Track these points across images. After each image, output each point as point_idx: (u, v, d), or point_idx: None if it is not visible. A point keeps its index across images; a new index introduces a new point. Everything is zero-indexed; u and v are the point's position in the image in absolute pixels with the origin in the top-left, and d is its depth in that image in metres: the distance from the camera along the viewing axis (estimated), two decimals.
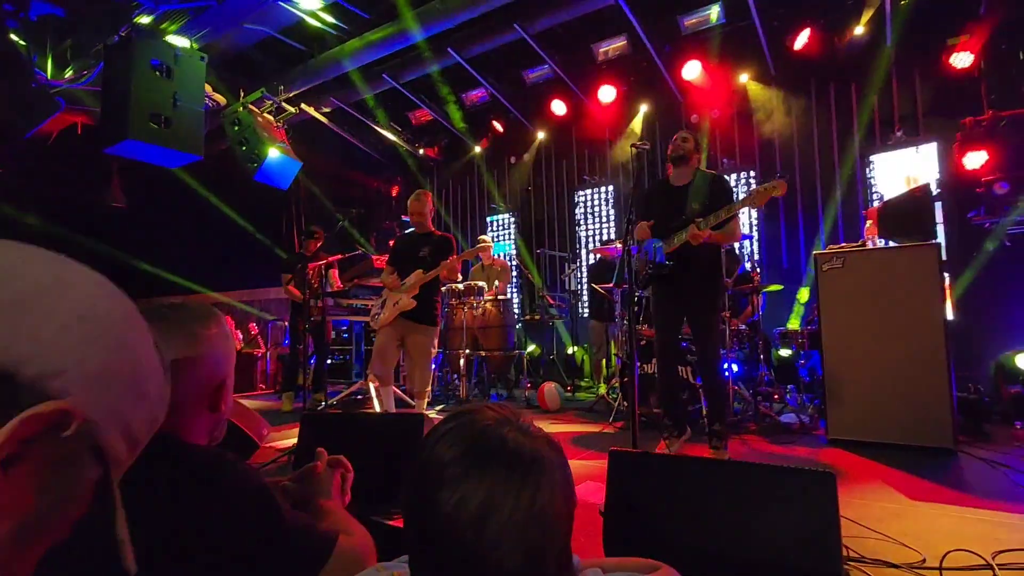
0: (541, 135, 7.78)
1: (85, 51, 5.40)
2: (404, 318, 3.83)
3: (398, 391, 4.88)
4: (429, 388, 3.94)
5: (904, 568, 1.60)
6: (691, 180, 3.14)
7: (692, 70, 6.21)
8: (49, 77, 5.41)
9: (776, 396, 4.32)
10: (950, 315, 3.55)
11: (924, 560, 1.64)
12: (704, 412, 3.79)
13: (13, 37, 4.64)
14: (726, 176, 6.46)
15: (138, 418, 0.40)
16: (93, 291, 0.39)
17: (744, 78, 6.30)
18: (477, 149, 8.30)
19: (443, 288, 6.01)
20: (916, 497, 2.29)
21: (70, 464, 0.35)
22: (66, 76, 5.54)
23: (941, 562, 1.56)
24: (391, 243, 4.40)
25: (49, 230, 6.97)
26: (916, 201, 3.83)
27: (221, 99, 6.24)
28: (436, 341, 3.99)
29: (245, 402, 4.41)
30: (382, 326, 3.91)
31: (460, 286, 5.54)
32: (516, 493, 0.57)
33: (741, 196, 3.23)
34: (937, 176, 5.31)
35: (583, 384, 6.54)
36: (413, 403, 4.03)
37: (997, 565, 1.56)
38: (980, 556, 1.54)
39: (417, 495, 0.60)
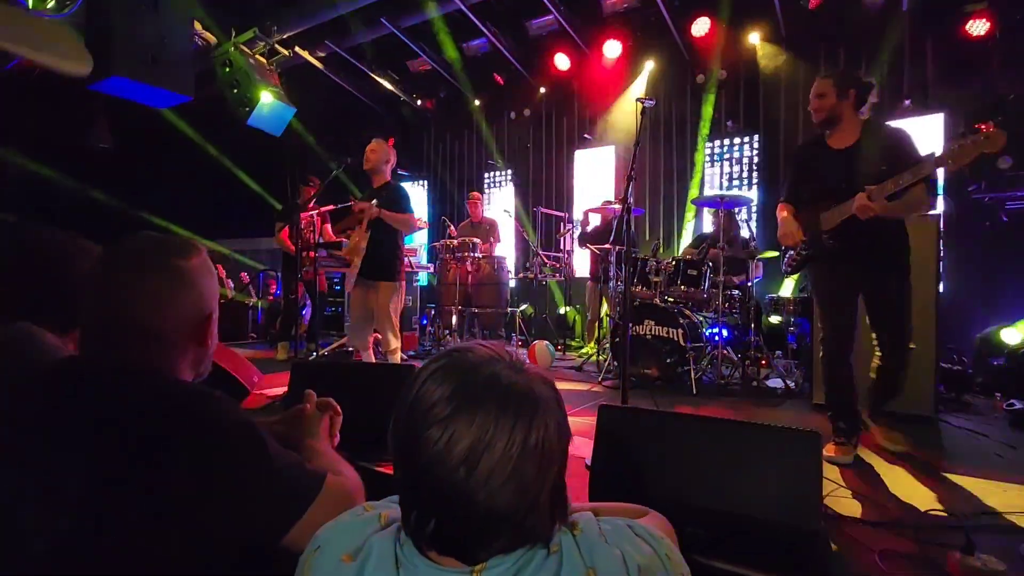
0: (543, 90, 7.58)
1: None
2: (364, 278, 3.67)
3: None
4: (397, 346, 3.72)
5: (879, 527, 1.65)
6: (858, 139, 2.45)
7: (701, 27, 6.02)
8: (31, 7, 5.15)
9: (764, 361, 4.37)
10: (940, 287, 3.56)
11: (898, 519, 1.69)
12: (694, 375, 3.85)
13: None
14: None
15: None
16: None
17: (754, 37, 6.11)
18: (476, 102, 8.09)
19: (436, 243, 5.97)
20: (895, 462, 2.35)
21: None
22: (48, 7, 5.27)
23: (916, 522, 1.61)
24: None
25: (32, 169, 6.78)
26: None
27: (211, 38, 5.98)
28: (399, 297, 3.74)
29: (236, 350, 4.41)
30: (351, 291, 3.79)
31: (454, 241, 5.49)
32: (509, 430, 0.56)
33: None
34: (942, 147, 5.25)
35: (574, 344, 6.59)
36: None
37: (970, 526, 1.60)
38: (954, 516, 1.58)
39: (406, 434, 0.59)
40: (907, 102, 5.43)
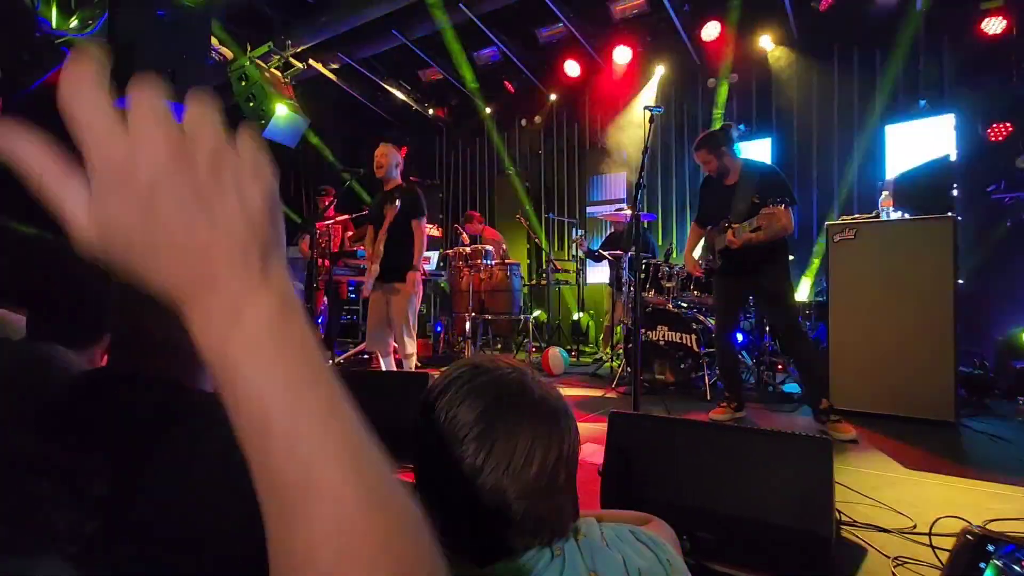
0: (553, 97, 7.62)
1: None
2: (382, 283, 3.70)
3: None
4: (413, 351, 3.72)
5: (894, 533, 1.63)
6: (739, 178, 3.13)
7: (711, 31, 6.02)
8: (54, 27, 5.32)
9: (780, 366, 4.33)
10: (959, 289, 3.51)
11: (915, 526, 1.67)
12: (709, 381, 3.83)
13: None
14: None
15: None
16: None
17: (765, 41, 6.08)
18: (487, 110, 8.15)
19: (449, 251, 6.01)
20: (913, 467, 2.32)
21: None
22: (71, 25, 5.44)
23: (931, 528, 1.59)
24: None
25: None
26: (935, 173, 3.75)
27: (228, 53, 6.12)
28: (417, 299, 3.73)
29: None
30: (369, 296, 3.79)
31: (467, 249, 5.53)
32: (547, 442, 0.58)
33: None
34: (958, 148, 5.17)
35: (587, 350, 6.59)
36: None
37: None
38: (970, 524, 1.56)
39: (440, 451, 0.59)
40: (922, 103, 5.37)
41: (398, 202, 3.64)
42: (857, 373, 3.38)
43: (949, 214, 3.31)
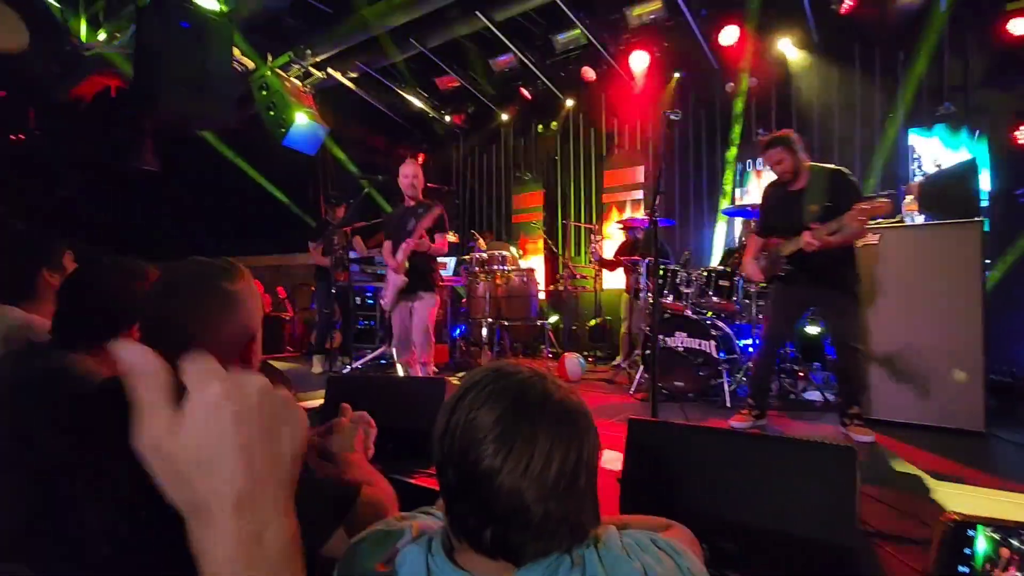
0: (570, 103, 7.62)
1: (117, 13, 5.44)
2: (405, 294, 3.78)
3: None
4: (430, 360, 3.80)
5: (922, 544, 1.59)
6: (807, 182, 3.03)
7: (730, 35, 5.98)
8: (83, 40, 5.48)
9: (801, 373, 4.26)
10: (989, 295, 3.42)
11: None
12: (728, 387, 3.78)
13: None
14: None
15: None
16: None
17: (784, 44, 6.02)
18: (504, 117, 8.18)
19: (466, 256, 6.04)
20: (941, 477, 2.26)
21: None
22: (99, 38, 5.59)
23: None
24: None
25: (85, 192, 7.15)
26: (960, 177, 3.67)
27: (249, 63, 6.25)
28: (435, 309, 3.85)
29: (273, 364, 4.53)
30: (392, 308, 3.87)
31: (484, 255, 5.54)
32: (566, 446, 0.59)
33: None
34: (985, 151, 5.06)
35: (604, 355, 6.54)
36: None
37: None
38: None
39: (462, 453, 0.60)
40: (947, 105, 5.26)
41: (426, 216, 3.69)
42: (882, 381, 3.31)
43: (976, 218, 3.23)
